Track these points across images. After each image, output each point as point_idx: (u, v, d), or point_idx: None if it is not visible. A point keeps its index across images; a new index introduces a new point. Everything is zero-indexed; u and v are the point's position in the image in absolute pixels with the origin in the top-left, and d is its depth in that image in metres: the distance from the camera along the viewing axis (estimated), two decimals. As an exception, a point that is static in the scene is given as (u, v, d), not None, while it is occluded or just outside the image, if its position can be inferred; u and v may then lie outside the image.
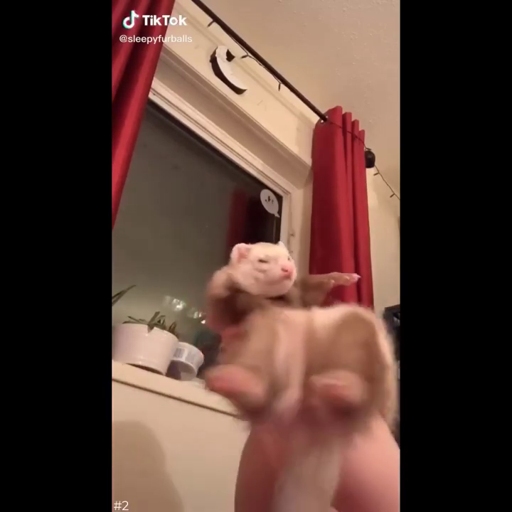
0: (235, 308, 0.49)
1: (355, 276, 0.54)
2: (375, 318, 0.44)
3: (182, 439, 0.91)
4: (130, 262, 1.22)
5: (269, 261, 0.50)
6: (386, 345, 0.41)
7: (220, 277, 0.52)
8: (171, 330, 1.01)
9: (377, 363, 0.37)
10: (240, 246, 0.53)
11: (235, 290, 0.50)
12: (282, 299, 0.50)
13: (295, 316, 0.44)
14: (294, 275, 0.50)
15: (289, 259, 0.51)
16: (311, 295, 0.54)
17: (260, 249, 0.52)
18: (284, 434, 0.38)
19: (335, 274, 0.55)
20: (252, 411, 0.34)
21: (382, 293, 1.51)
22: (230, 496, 0.49)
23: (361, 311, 0.44)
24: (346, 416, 0.33)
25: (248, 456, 0.49)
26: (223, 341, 0.52)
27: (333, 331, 0.40)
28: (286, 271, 0.48)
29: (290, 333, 0.41)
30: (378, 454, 0.39)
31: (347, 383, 0.32)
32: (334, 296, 1.46)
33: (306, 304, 0.53)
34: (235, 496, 0.50)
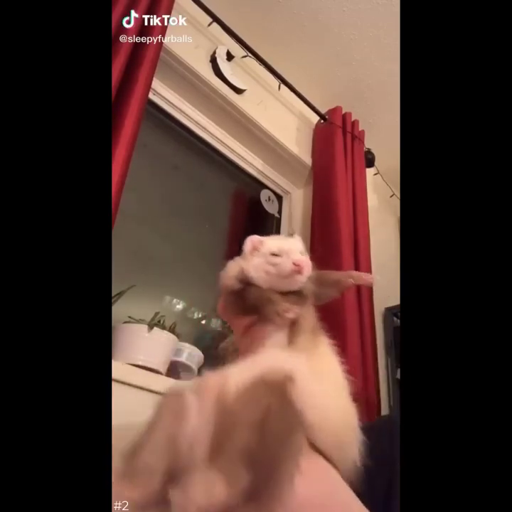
0: (246, 301, 0.49)
1: (372, 277, 0.53)
2: (300, 369, 0.41)
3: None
4: (130, 262, 1.22)
5: (281, 254, 0.48)
6: (308, 398, 0.38)
7: (232, 268, 0.51)
8: (171, 330, 1.01)
9: (270, 444, 0.34)
10: (253, 238, 0.51)
11: (246, 283, 0.49)
12: (296, 294, 0.49)
13: (209, 381, 0.41)
14: (308, 270, 0.49)
15: (302, 253, 0.50)
16: (326, 291, 0.53)
17: (273, 242, 0.50)
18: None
19: (354, 273, 0.54)
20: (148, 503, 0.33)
21: (382, 293, 1.51)
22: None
23: (274, 370, 0.40)
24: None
25: None
26: (234, 331, 0.52)
27: (237, 401, 0.38)
28: (298, 265, 0.47)
29: (200, 405, 0.39)
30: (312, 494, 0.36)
31: (206, 487, 0.31)
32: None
33: (320, 300, 0.52)
34: None
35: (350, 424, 0.43)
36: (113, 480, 0.33)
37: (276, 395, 0.37)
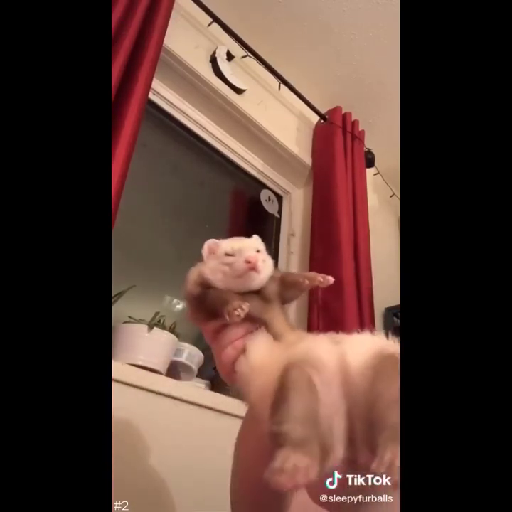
0: (206, 304, 0.49)
1: (330, 279, 0.51)
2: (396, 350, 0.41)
3: (182, 438, 0.91)
4: (130, 262, 1.22)
5: (234, 254, 0.48)
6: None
7: (193, 274, 0.51)
8: (171, 330, 1.01)
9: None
10: (210, 241, 0.51)
11: (206, 286, 0.49)
12: (258, 295, 0.48)
13: (325, 355, 0.40)
14: (264, 267, 0.48)
15: (259, 251, 0.49)
16: (289, 292, 0.52)
17: (228, 243, 0.50)
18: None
19: (310, 274, 0.52)
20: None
21: (382, 293, 1.51)
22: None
23: (392, 349, 0.40)
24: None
25: (243, 437, 0.48)
26: (205, 338, 0.52)
27: (370, 378, 0.37)
28: (250, 262, 0.46)
29: (326, 385, 0.38)
30: None
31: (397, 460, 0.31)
32: (334, 295, 1.46)
33: (284, 301, 0.51)
34: (231, 480, 0.48)
35: None
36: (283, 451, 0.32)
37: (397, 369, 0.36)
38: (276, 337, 0.46)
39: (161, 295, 1.29)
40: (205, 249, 0.51)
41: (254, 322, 0.47)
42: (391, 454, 0.31)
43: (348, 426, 0.36)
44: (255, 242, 0.52)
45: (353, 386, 0.37)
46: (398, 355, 0.38)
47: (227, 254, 0.48)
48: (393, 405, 0.34)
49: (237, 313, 0.44)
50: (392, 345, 0.42)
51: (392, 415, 0.34)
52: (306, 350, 0.41)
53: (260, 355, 0.44)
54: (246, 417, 0.49)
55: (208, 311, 0.49)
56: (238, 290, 0.48)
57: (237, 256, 0.48)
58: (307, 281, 0.50)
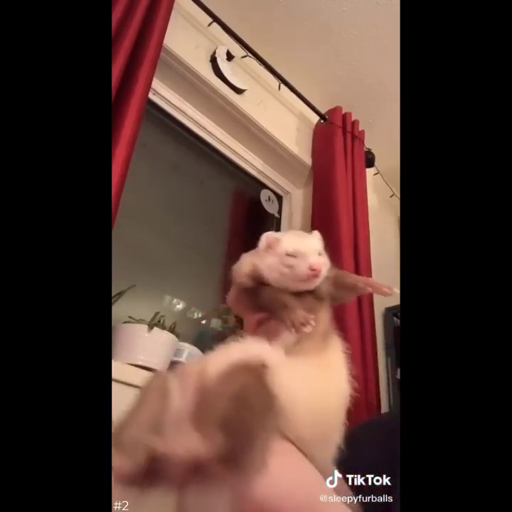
0: (259, 300, 0.48)
1: (396, 291, 0.49)
2: (276, 359, 0.42)
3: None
4: (130, 262, 1.22)
5: (297, 256, 0.46)
6: (275, 388, 0.39)
7: (246, 264, 0.50)
8: (171, 330, 1.01)
9: (245, 415, 0.36)
10: (269, 235, 0.49)
11: (259, 281, 0.48)
12: (311, 295, 0.48)
13: (192, 366, 0.44)
14: (324, 272, 0.47)
15: (320, 254, 0.48)
16: (342, 293, 0.51)
17: (290, 241, 0.48)
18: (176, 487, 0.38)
19: (374, 282, 0.51)
20: (133, 478, 0.36)
21: (382, 293, 1.51)
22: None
23: (250, 356, 0.41)
24: (211, 468, 0.34)
25: None
26: (245, 325, 0.51)
27: (216, 380, 0.39)
28: (314, 270, 0.45)
29: (182, 388, 0.41)
30: (278, 481, 0.37)
31: (185, 440, 0.34)
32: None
33: (335, 301, 0.51)
34: None
35: (328, 422, 0.42)
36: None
37: (253, 376, 0.39)
38: (301, 339, 0.45)
39: (161, 295, 1.29)
40: (262, 242, 0.49)
41: None
42: (176, 434, 0.35)
43: (194, 422, 0.38)
44: (317, 243, 0.50)
45: (203, 389, 0.40)
46: (251, 362, 0.40)
47: (289, 255, 0.46)
48: (219, 400, 0.37)
49: (305, 329, 0.43)
50: (259, 356, 0.42)
51: (214, 408, 0.36)
52: (186, 363, 0.45)
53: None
54: None
55: (258, 305, 0.48)
56: (295, 290, 0.47)
57: (300, 259, 0.46)
58: (370, 289, 0.50)
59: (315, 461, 0.40)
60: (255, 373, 0.39)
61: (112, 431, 0.38)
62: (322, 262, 0.47)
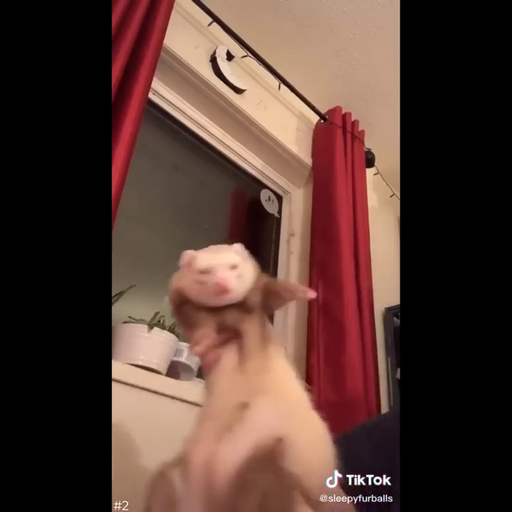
0: (182, 316, 0.48)
1: (311, 294, 0.49)
2: (284, 434, 0.37)
3: (182, 438, 0.91)
4: (130, 262, 1.22)
5: (209, 272, 0.46)
6: (293, 471, 0.35)
7: (174, 281, 0.50)
8: (171, 330, 1.01)
9: None
10: (188, 253, 0.49)
11: (183, 297, 0.48)
12: (237, 307, 0.47)
13: (197, 458, 0.38)
14: (238, 284, 0.46)
15: (234, 267, 0.47)
16: (273, 301, 0.50)
17: (203, 258, 0.48)
18: None
19: (292, 286, 0.51)
20: None
21: (382, 293, 1.51)
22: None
23: (263, 440, 0.36)
24: None
25: None
26: (201, 362, 0.50)
27: (233, 487, 0.34)
28: (220, 285, 0.45)
29: (190, 495, 0.36)
30: None
31: None
32: (334, 295, 1.45)
33: (269, 309, 0.50)
34: None
35: (329, 461, 0.40)
36: None
37: (271, 471, 0.34)
38: (242, 356, 0.45)
39: (161, 295, 1.29)
40: (183, 259, 0.49)
41: (229, 332, 0.46)
42: None
43: None
44: (231, 256, 0.48)
45: (215, 496, 0.35)
46: (269, 449, 0.35)
47: (201, 272, 0.46)
48: None
49: (196, 349, 0.44)
50: (273, 430, 0.37)
51: None
52: (186, 449, 0.40)
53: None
54: None
55: (185, 321, 0.49)
56: (215, 305, 0.47)
57: (211, 275, 0.46)
58: (288, 295, 0.49)
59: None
60: (273, 467, 0.34)
61: None
62: (232, 276, 0.46)
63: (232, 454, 0.36)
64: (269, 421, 0.38)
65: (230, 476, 0.34)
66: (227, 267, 0.47)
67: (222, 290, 0.45)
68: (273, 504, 0.33)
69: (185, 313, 0.48)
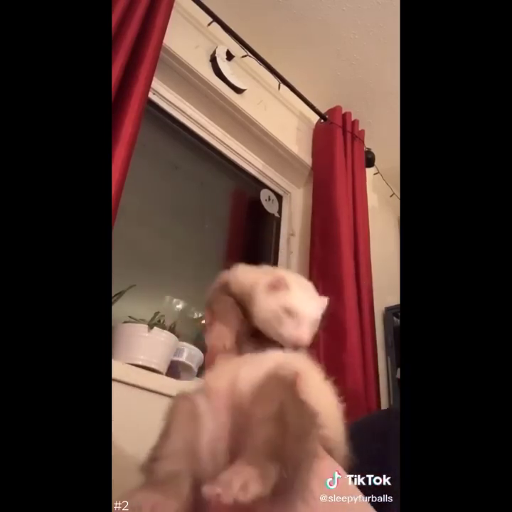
0: (215, 309, 0.49)
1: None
2: (303, 365, 0.41)
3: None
4: (130, 262, 1.22)
5: (293, 316, 0.44)
6: (313, 394, 0.38)
7: (238, 274, 0.50)
8: (171, 330, 1.01)
9: (290, 440, 0.33)
10: (281, 275, 0.46)
11: (239, 298, 0.48)
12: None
13: (218, 382, 0.41)
14: (306, 343, 0.45)
15: (314, 324, 0.46)
16: None
17: (295, 297, 0.45)
18: None
19: None
20: None
21: (382, 293, 1.51)
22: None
23: (283, 366, 0.40)
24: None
25: None
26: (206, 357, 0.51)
27: (252, 400, 0.37)
28: (298, 341, 0.44)
29: (215, 411, 0.38)
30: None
31: (242, 481, 0.29)
32: (334, 295, 1.45)
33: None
34: None
35: (341, 420, 0.42)
36: (132, 489, 0.33)
37: (289, 390, 0.37)
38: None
39: (161, 295, 1.29)
40: (272, 280, 0.46)
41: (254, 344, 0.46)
42: (231, 473, 0.30)
43: (231, 447, 0.36)
44: (319, 311, 0.47)
45: (239, 409, 0.38)
46: (284, 372, 0.38)
47: (287, 310, 0.44)
48: (261, 425, 0.34)
49: (214, 342, 0.46)
50: (289, 363, 0.41)
51: (258, 435, 0.34)
52: (206, 380, 0.43)
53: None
54: None
55: (213, 311, 0.49)
56: (271, 338, 0.45)
57: (294, 322, 0.44)
58: None
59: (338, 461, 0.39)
60: (290, 386, 0.37)
61: (142, 465, 0.35)
62: (311, 332, 0.45)
63: (253, 372, 0.39)
64: (284, 359, 0.42)
65: (250, 389, 0.37)
66: (313, 322, 0.46)
67: (298, 345, 0.44)
68: (291, 416, 0.34)
69: (220, 311, 0.48)
